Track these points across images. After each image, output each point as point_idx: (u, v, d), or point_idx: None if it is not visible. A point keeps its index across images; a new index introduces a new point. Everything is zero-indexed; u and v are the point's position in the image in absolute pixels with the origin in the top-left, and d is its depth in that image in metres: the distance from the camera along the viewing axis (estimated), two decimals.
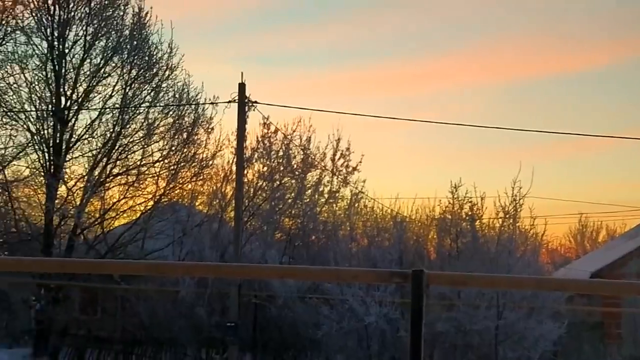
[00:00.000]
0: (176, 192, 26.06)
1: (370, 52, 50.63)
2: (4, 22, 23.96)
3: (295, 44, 50.10)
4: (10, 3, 23.82)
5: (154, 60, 25.10)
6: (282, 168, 26.18)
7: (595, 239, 51.37)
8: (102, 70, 24.61)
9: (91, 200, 24.66)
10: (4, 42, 24.16)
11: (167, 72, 25.23)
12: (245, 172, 24.53)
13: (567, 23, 54.47)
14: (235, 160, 24.06)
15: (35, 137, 24.35)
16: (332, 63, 50.79)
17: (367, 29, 50.12)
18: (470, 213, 22.54)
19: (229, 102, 22.99)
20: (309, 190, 26.55)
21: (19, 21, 24.16)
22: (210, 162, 26.07)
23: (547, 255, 43.22)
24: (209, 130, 25.80)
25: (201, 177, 26.15)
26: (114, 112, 24.78)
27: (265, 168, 26.14)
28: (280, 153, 26.20)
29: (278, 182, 26.12)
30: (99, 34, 24.47)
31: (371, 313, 20.64)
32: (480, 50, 53.14)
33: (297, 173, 26.29)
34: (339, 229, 25.52)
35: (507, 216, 21.91)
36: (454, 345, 20.99)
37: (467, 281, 6.66)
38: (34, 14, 24.08)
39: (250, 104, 22.95)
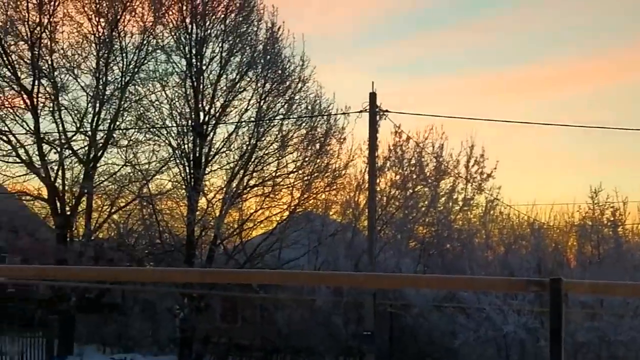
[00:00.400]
0: (310, 202, 26.46)
1: (503, 56, 49.65)
2: (145, 42, 25.07)
3: (424, 51, 49.84)
4: (150, 24, 24.92)
5: (287, 74, 25.62)
6: (414, 176, 26.08)
7: None
8: (238, 85, 25.33)
9: (230, 211, 25.39)
10: (145, 62, 25.29)
11: (299, 85, 25.69)
12: (378, 180, 24.61)
13: None
14: (367, 169, 24.19)
15: (177, 152, 25.32)
16: (464, 68, 50.13)
17: (499, 32, 49.24)
18: (612, 219, 21.73)
19: (360, 111, 23.19)
20: (443, 198, 26.30)
21: (159, 41, 25.24)
22: (343, 172, 26.34)
23: None
24: (341, 140, 26.07)
25: (334, 187, 26.45)
26: (250, 125, 25.45)
27: (398, 176, 26.11)
28: (413, 161, 26.11)
29: (411, 191, 26.03)
30: (234, 50, 25.21)
31: (509, 322, 20.22)
32: (624, 50, 51.13)
33: (430, 181, 26.12)
34: (474, 237, 25.15)
35: None
36: (597, 356, 20.26)
37: (608, 290, 6.44)
38: (172, 33, 25.09)
39: (382, 113, 23.05)
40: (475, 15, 48.61)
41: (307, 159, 25.80)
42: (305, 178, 25.86)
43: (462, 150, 25.84)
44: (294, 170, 25.81)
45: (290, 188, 25.96)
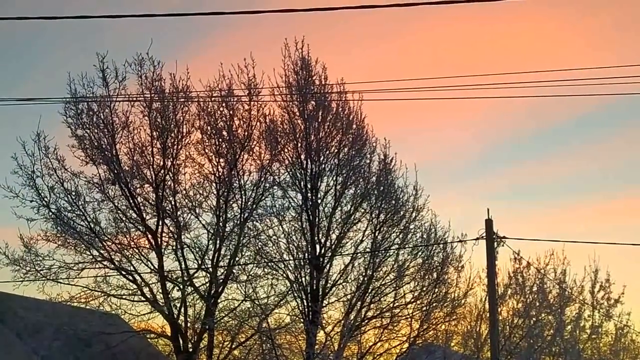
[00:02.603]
0: (430, 332, 25.92)
1: (620, 179, 48.45)
2: (262, 179, 25.87)
3: (539, 177, 49.27)
4: (267, 162, 25.78)
5: (401, 203, 25.77)
6: (537, 303, 25.30)
7: None
8: (352, 216, 25.59)
9: (348, 344, 25.12)
10: (263, 198, 26.00)
11: (413, 214, 25.74)
12: (499, 309, 23.96)
13: None
14: (487, 297, 23.63)
15: (294, 285, 25.50)
16: (580, 192, 49.09)
17: (608, 155, 48.30)
18: None
19: (477, 239, 22.90)
20: (569, 326, 25.30)
21: (276, 177, 25.98)
22: (463, 301, 25.82)
23: None
24: (459, 268, 25.72)
25: (454, 317, 25.88)
26: (366, 256, 25.49)
27: (520, 304, 25.38)
28: (535, 288, 25.41)
29: (534, 319, 25.18)
30: (348, 183, 25.65)
31: None
32: None
33: (554, 308, 25.25)
34: None
35: None
36: None
37: None
38: (288, 170, 25.81)
39: (499, 240, 22.70)
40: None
41: (424, 289, 25.49)
42: (424, 308, 25.46)
43: (586, 276, 25.03)
44: (412, 300, 25.49)
45: (409, 319, 25.57)
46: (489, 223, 22.57)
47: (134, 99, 24.36)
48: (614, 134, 49.04)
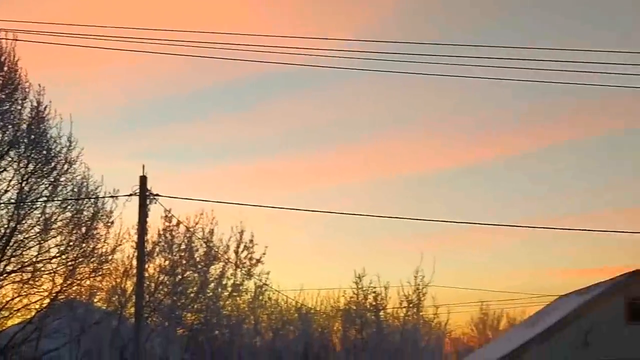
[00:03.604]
0: (74, 288, 25.21)
1: (271, 146, 51.12)
2: None
3: (195, 139, 50.19)
4: None
5: (53, 154, 24.59)
6: (184, 262, 25.77)
7: (496, 327, 52.21)
8: None
9: None
10: None
11: (65, 166, 24.70)
12: (147, 266, 24.01)
13: (467, 114, 56.61)
14: (136, 254, 23.55)
15: None
16: (234, 157, 50.95)
17: (268, 123, 50.75)
18: (374, 303, 22.64)
19: (130, 195, 22.60)
20: (212, 284, 26.14)
21: None
22: (110, 257, 25.43)
23: (451, 344, 43.59)
24: (109, 224, 25.26)
25: (100, 273, 25.43)
26: (9, 207, 24.00)
27: (167, 262, 25.67)
28: (183, 246, 25.83)
29: (180, 276, 25.64)
30: None
31: None
32: (383, 143, 54.48)
33: (200, 266, 25.91)
34: (243, 323, 25.13)
35: (411, 305, 22.11)
36: None
37: None
38: None
39: (152, 197, 22.64)
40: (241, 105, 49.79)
41: (71, 243, 24.67)
42: (69, 263, 24.67)
43: (232, 236, 25.99)
44: (57, 255, 24.54)
45: (52, 274, 24.61)
46: (143, 180, 22.40)
47: None
48: (267, 100, 51.39)
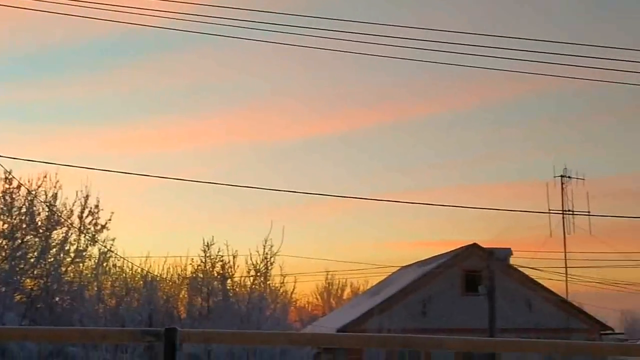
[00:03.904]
0: None
1: (120, 110, 49.83)
2: None
3: (41, 100, 48.16)
4: None
5: None
6: (24, 225, 24.74)
7: (340, 296, 53.61)
8: None
9: None
10: None
11: None
12: None
13: (319, 87, 57.25)
14: None
15: None
16: (81, 120, 49.32)
17: (118, 86, 49.37)
18: (221, 272, 22.62)
19: None
20: (54, 249, 25.27)
21: None
22: None
23: (296, 313, 44.36)
24: None
25: None
26: None
27: (6, 225, 24.56)
28: (23, 209, 24.78)
29: (20, 241, 24.62)
30: None
31: None
32: (233, 112, 54.29)
33: (41, 231, 24.97)
34: (86, 290, 24.48)
35: (258, 274, 22.26)
36: None
37: (221, 338, 6.63)
38: None
39: None
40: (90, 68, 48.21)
41: None
42: None
43: (76, 200, 25.15)
44: None
45: None
46: None
47: None
48: (119, 62, 49.96)
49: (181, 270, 24.11)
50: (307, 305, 53.81)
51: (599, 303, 53.83)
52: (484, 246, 31.59)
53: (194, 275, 23.10)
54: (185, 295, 23.87)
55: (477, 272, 30.86)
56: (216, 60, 49.38)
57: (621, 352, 6.70)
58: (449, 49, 17.50)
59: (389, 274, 40.28)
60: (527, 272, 32.32)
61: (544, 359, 28.45)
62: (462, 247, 34.41)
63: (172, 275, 24.36)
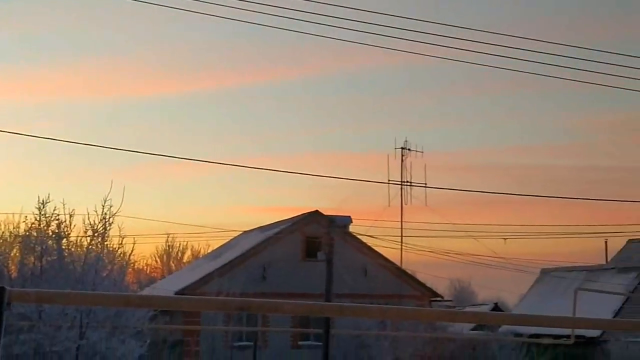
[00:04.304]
0: None
1: None
2: None
3: None
4: None
5: None
6: None
7: (180, 259, 53.16)
8: None
9: None
10: None
11: None
12: None
13: (166, 46, 56.01)
14: None
15: None
16: None
17: None
18: (57, 231, 21.84)
19: None
20: None
21: None
22: None
23: (134, 275, 43.66)
24: None
25: None
26: None
27: None
28: None
29: None
30: None
31: None
32: (81, 66, 52.25)
33: None
34: None
35: (96, 235, 21.65)
36: None
37: (54, 298, 6.43)
38: None
39: None
40: None
41: None
42: None
43: None
44: None
45: None
46: None
47: None
48: None
49: (14, 228, 23.11)
50: (146, 267, 53.07)
51: (431, 271, 56.38)
52: (326, 214, 32.19)
53: (27, 233, 22.19)
54: (17, 254, 22.92)
55: (317, 238, 31.42)
56: (51, 12, 47.28)
57: (448, 318, 7.05)
58: (299, 16, 17.59)
59: (231, 238, 40.34)
60: (365, 240, 33.28)
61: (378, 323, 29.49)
62: (304, 213, 34.92)
63: (3, 232, 23.34)
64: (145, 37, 55.27)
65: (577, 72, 19.11)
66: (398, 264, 34.82)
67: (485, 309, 46.68)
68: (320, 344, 23.79)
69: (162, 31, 54.31)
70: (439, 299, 36.72)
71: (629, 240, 44.89)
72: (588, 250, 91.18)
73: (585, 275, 37.43)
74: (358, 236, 33.18)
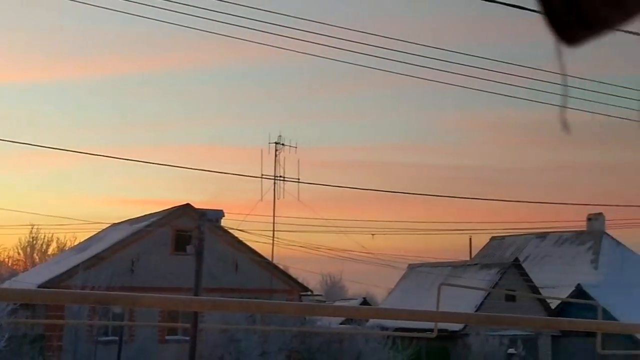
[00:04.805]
0: None
1: None
2: None
3: None
4: None
5: None
6: None
7: (45, 252, 51.32)
8: None
9: None
10: None
11: None
12: None
13: (44, 32, 53.96)
14: None
15: None
16: None
17: None
18: None
19: None
20: None
21: None
22: None
23: None
24: None
25: None
26: None
27: None
28: None
29: None
30: None
31: None
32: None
33: None
34: None
35: None
36: None
37: None
38: None
39: None
40: None
41: None
42: None
43: None
44: None
45: None
46: None
47: None
48: None
49: None
50: (7, 259, 51.01)
51: (304, 266, 56.85)
52: (198, 207, 31.83)
53: None
54: None
55: (188, 231, 31.03)
56: None
57: (308, 312, 7.10)
58: (182, 9, 17.23)
59: (99, 230, 39.31)
60: (237, 234, 33.14)
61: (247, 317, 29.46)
62: (175, 207, 34.44)
63: None
64: (16, 21, 53.07)
65: (446, 74, 19.61)
66: (270, 258, 34.89)
67: (354, 303, 47.44)
68: (188, 338, 23.51)
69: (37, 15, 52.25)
70: (308, 293, 37.05)
71: (492, 237, 46.66)
72: (455, 246, 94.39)
73: (450, 270, 38.71)
74: (230, 230, 33.02)
